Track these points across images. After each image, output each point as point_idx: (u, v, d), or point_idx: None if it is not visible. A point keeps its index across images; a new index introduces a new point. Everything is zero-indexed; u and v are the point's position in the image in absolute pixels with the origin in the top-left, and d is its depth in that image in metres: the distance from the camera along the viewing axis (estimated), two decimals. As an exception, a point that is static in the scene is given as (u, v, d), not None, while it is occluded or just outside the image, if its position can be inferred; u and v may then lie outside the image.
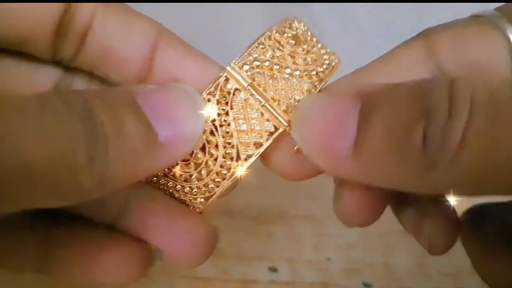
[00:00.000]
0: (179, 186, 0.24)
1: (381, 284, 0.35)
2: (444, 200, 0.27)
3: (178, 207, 0.24)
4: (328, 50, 0.25)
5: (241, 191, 0.35)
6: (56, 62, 0.25)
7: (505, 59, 0.22)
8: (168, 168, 0.24)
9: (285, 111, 0.23)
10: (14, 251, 0.24)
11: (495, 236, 0.27)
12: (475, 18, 0.24)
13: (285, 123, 0.23)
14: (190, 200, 0.24)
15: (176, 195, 0.24)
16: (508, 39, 0.22)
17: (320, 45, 0.25)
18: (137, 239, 0.25)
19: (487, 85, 0.18)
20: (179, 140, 0.21)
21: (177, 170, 0.24)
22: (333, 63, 0.24)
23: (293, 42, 0.24)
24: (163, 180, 0.24)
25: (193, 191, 0.24)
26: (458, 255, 0.36)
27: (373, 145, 0.19)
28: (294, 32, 0.24)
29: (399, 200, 0.27)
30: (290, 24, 0.24)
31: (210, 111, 0.23)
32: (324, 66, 0.24)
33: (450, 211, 0.27)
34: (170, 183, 0.24)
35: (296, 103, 0.23)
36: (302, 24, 0.25)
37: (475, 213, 0.29)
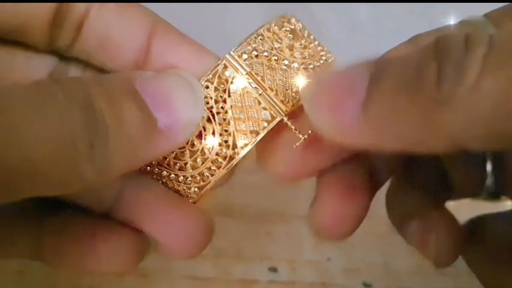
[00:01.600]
0: (173, 175, 0.24)
1: (381, 284, 0.35)
2: (447, 212, 0.27)
3: (173, 197, 0.24)
4: (325, 48, 0.25)
5: (241, 191, 0.35)
6: (52, 51, 0.25)
7: None
8: (163, 157, 0.24)
9: (282, 101, 0.23)
10: (8, 238, 0.24)
11: (500, 249, 0.27)
12: (463, 23, 0.24)
13: (283, 113, 0.23)
14: (184, 189, 0.24)
15: (170, 185, 0.24)
16: None
17: (316, 42, 0.25)
18: (132, 228, 0.25)
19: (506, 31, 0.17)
20: (178, 126, 0.21)
21: (171, 159, 0.24)
22: (330, 60, 0.25)
23: (291, 36, 0.24)
24: (157, 169, 0.24)
25: (188, 180, 0.24)
26: (458, 255, 0.36)
27: (383, 97, 0.18)
28: (292, 27, 0.25)
29: (402, 214, 0.27)
30: (288, 19, 0.25)
31: (208, 97, 0.23)
32: (321, 61, 0.24)
33: (454, 223, 0.27)
34: (164, 172, 0.24)
35: (293, 94, 0.23)
36: (300, 22, 0.25)
37: (476, 226, 0.29)
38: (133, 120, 0.20)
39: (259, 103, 0.23)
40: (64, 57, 0.25)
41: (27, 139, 0.18)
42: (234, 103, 0.23)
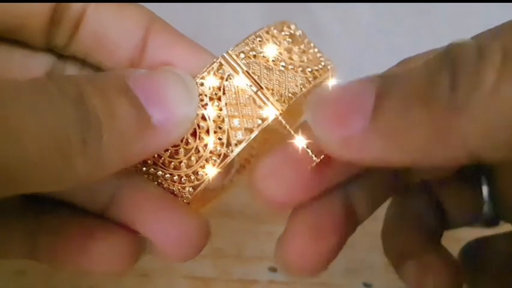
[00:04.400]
0: (168, 174, 0.24)
1: (381, 284, 0.35)
2: (444, 250, 0.27)
3: (168, 198, 0.24)
4: (324, 56, 0.25)
5: (241, 191, 0.35)
6: (49, 50, 0.25)
7: None
8: (158, 155, 0.24)
9: (278, 101, 0.23)
10: (4, 237, 0.24)
11: (500, 270, 0.27)
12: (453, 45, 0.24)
13: (278, 112, 0.23)
14: (179, 189, 0.24)
15: (165, 185, 0.24)
16: None
17: (316, 49, 0.25)
18: (127, 229, 0.24)
19: None
20: (172, 122, 0.21)
21: (166, 157, 0.24)
22: (329, 66, 0.25)
23: (290, 40, 0.24)
24: (152, 169, 0.24)
25: (182, 179, 0.24)
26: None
27: (392, 107, 0.17)
28: (291, 32, 0.25)
29: (398, 254, 0.27)
30: (288, 25, 0.25)
31: (203, 94, 0.23)
32: (320, 66, 0.24)
33: (451, 262, 0.27)
34: (159, 172, 0.24)
35: (290, 95, 0.23)
36: (300, 30, 0.25)
37: (474, 249, 0.29)
38: (126, 116, 0.20)
39: (254, 101, 0.23)
40: (61, 55, 0.25)
41: (21, 134, 0.18)
42: (228, 101, 0.23)
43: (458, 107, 0.16)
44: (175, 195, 0.24)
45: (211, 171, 0.23)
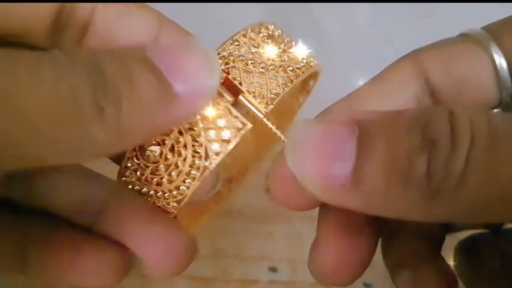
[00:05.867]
0: (152, 191, 0.24)
1: (381, 284, 0.35)
2: (441, 263, 0.27)
3: (156, 212, 0.24)
4: (306, 54, 0.25)
5: (241, 191, 0.35)
6: None
7: (489, 74, 0.23)
8: (141, 173, 0.23)
9: (261, 103, 0.23)
10: None
11: (493, 268, 0.27)
12: (463, 36, 0.25)
13: (261, 114, 0.23)
14: (164, 205, 0.24)
15: (151, 202, 0.24)
16: (491, 56, 0.23)
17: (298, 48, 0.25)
18: (115, 244, 0.24)
19: (484, 116, 0.18)
20: (196, 93, 0.21)
21: (148, 174, 0.23)
22: (312, 64, 0.24)
23: (269, 41, 0.24)
24: (137, 186, 0.24)
25: (166, 195, 0.23)
26: (458, 255, 0.36)
27: (374, 176, 0.19)
28: (269, 33, 0.24)
29: (395, 262, 0.27)
30: (266, 26, 0.25)
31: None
32: (302, 64, 0.24)
33: (447, 277, 0.27)
34: (144, 189, 0.24)
35: (272, 95, 0.23)
36: (279, 29, 0.25)
37: (468, 245, 0.29)
38: (147, 84, 0.19)
39: (230, 111, 0.23)
40: None
41: (20, 103, 0.17)
42: (203, 114, 0.22)
43: (432, 196, 0.18)
44: (162, 210, 0.24)
45: (192, 185, 0.23)
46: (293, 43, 0.25)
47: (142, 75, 0.19)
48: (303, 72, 0.24)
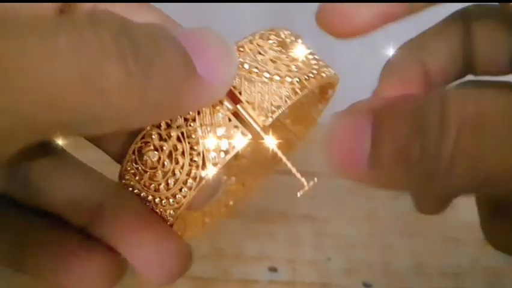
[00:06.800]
0: (150, 197, 0.23)
1: (381, 284, 0.35)
2: None
3: (152, 218, 0.23)
4: (321, 63, 0.24)
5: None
6: None
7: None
8: (139, 177, 0.23)
9: (260, 115, 0.22)
10: None
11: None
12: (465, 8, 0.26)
13: (257, 127, 0.22)
14: (161, 211, 0.23)
15: (150, 207, 0.24)
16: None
17: (311, 56, 0.24)
18: (108, 248, 0.24)
19: (472, 101, 0.20)
20: (216, 77, 0.20)
21: (147, 179, 0.23)
22: (324, 74, 0.23)
23: (278, 49, 0.23)
24: (137, 190, 0.23)
25: (163, 202, 0.23)
26: (458, 255, 0.36)
27: (383, 162, 0.21)
28: (280, 39, 0.23)
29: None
30: (277, 32, 0.24)
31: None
32: (311, 75, 0.23)
33: None
34: (143, 194, 0.23)
35: (273, 108, 0.22)
36: (293, 36, 0.24)
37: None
38: (175, 59, 0.19)
39: (230, 120, 0.22)
40: None
41: (34, 76, 0.16)
42: (203, 121, 0.22)
43: (427, 177, 0.20)
44: (159, 215, 0.24)
45: (188, 194, 0.22)
46: (306, 51, 0.24)
47: (171, 50, 0.19)
48: (311, 84, 0.23)
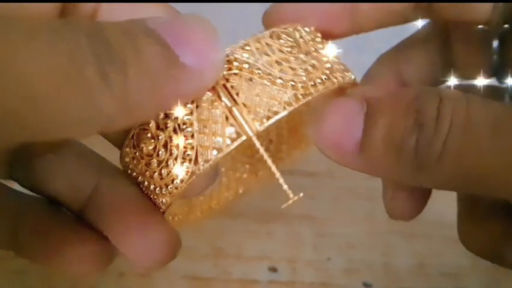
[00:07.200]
0: (146, 182, 0.23)
1: (381, 284, 0.35)
2: None
3: (143, 204, 0.24)
4: (335, 67, 0.23)
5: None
6: None
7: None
8: (137, 162, 0.23)
9: (254, 120, 0.21)
10: None
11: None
12: None
13: (250, 132, 0.21)
14: (155, 198, 0.23)
15: (145, 192, 0.23)
16: None
17: (325, 59, 0.23)
18: (101, 233, 0.24)
19: (464, 104, 0.21)
20: (203, 64, 0.20)
21: (143, 165, 0.23)
22: (335, 80, 0.22)
23: (288, 49, 0.22)
24: (135, 173, 0.23)
25: (156, 190, 0.23)
26: (458, 255, 0.36)
27: (375, 148, 0.22)
28: (292, 39, 0.22)
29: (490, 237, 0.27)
30: (294, 28, 0.23)
31: (177, 110, 0.21)
32: (318, 81, 0.22)
33: None
34: (140, 178, 0.23)
35: (269, 114, 0.21)
36: (309, 35, 0.23)
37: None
38: (153, 53, 0.18)
39: (227, 118, 0.21)
40: None
41: (17, 71, 0.16)
42: (200, 115, 0.21)
43: (418, 167, 0.22)
44: (153, 202, 0.23)
45: (179, 187, 0.22)
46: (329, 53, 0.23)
47: (148, 45, 0.18)
48: (317, 91, 0.21)
